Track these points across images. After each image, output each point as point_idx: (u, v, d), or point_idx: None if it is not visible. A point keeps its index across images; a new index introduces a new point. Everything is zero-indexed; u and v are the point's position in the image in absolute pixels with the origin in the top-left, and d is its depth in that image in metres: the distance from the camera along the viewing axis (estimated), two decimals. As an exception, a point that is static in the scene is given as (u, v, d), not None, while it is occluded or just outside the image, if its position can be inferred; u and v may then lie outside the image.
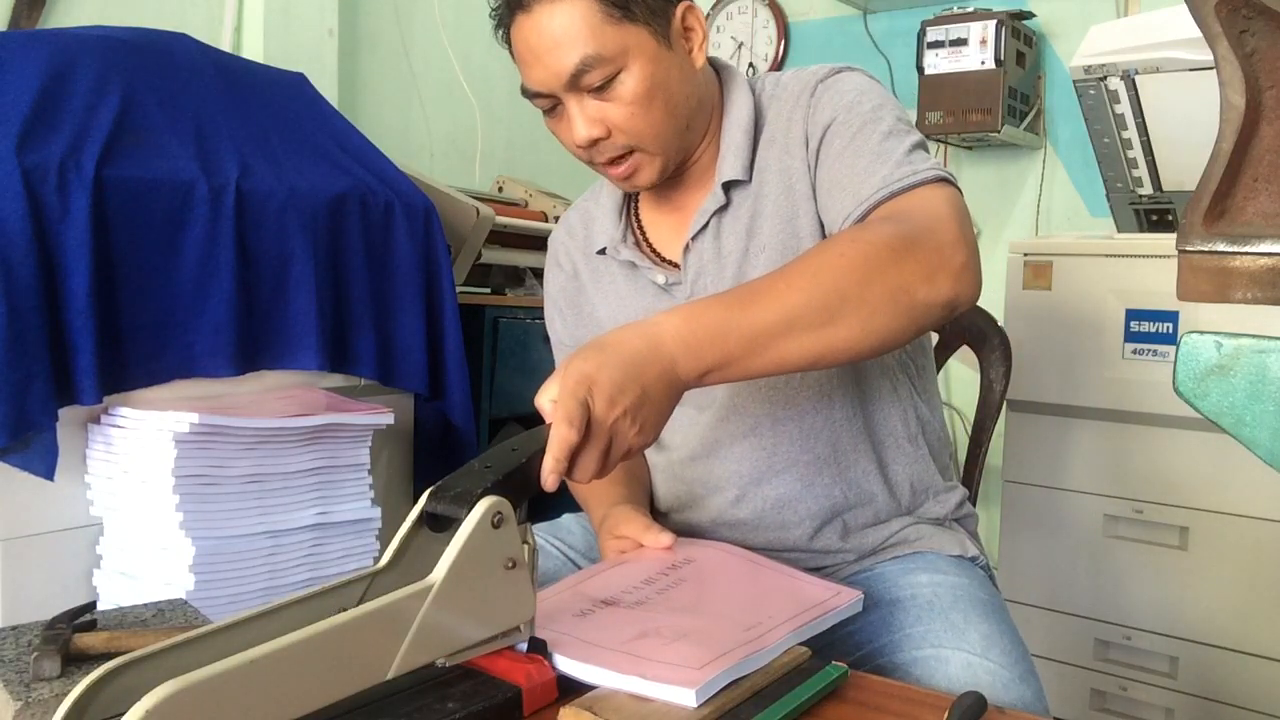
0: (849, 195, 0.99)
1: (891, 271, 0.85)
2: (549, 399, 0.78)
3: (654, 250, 1.18)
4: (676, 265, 1.14)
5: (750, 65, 3.03)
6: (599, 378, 0.77)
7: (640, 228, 1.20)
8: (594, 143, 1.04)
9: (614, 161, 1.06)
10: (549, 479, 0.76)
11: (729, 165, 1.09)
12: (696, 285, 1.12)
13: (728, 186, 1.10)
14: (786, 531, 1.11)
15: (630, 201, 1.21)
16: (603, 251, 1.19)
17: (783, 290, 0.84)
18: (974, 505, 1.26)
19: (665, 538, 1.02)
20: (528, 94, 1.06)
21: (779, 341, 0.83)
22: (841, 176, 1.01)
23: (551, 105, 1.05)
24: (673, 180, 1.13)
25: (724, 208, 1.10)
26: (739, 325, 0.82)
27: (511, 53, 1.06)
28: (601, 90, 1.02)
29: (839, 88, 1.06)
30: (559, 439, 0.75)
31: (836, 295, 0.84)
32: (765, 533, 1.12)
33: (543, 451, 0.76)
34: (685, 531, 1.13)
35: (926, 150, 1.03)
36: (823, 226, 1.07)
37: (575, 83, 1.01)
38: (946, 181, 0.97)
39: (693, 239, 1.11)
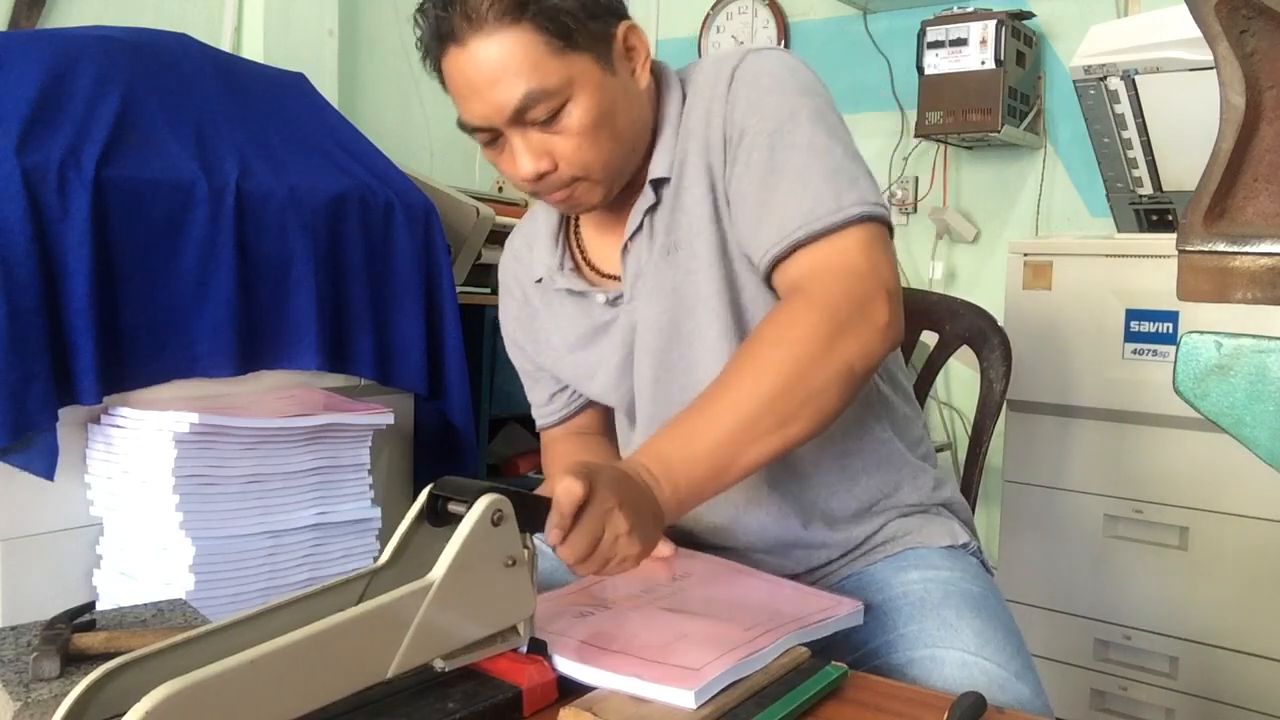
0: (771, 227, 0.97)
1: (828, 360, 0.89)
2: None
3: (595, 269, 1.15)
4: (617, 278, 1.12)
5: (750, 65, 3.02)
6: (596, 474, 0.80)
7: (581, 248, 1.17)
8: (540, 177, 1.00)
9: (557, 190, 1.03)
10: (552, 532, 0.77)
11: (658, 163, 1.06)
12: (636, 288, 1.09)
13: (656, 184, 1.07)
14: (783, 487, 1.09)
15: (568, 223, 1.18)
16: (540, 281, 1.17)
17: (731, 407, 0.88)
18: (973, 506, 1.26)
19: (665, 547, 1.01)
20: (465, 128, 1.01)
21: (742, 453, 0.87)
22: (765, 197, 0.98)
23: (491, 139, 1.01)
24: (616, 197, 1.10)
25: (655, 205, 1.07)
26: (699, 452, 0.86)
27: (443, 83, 1.01)
28: (547, 123, 0.97)
29: (756, 83, 1.01)
30: (565, 491, 0.77)
31: (784, 398, 0.88)
32: (764, 488, 1.09)
33: (549, 500, 0.77)
34: (680, 526, 1.13)
35: (850, 158, 0.99)
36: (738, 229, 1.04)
37: (519, 117, 0.96)
38: (868, 219, 0.96)
39: (630, 240, 1.08)
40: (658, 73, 1.10)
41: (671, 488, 0.86)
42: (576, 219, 1.18)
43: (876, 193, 0.98)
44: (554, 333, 1.18)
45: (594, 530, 0.79)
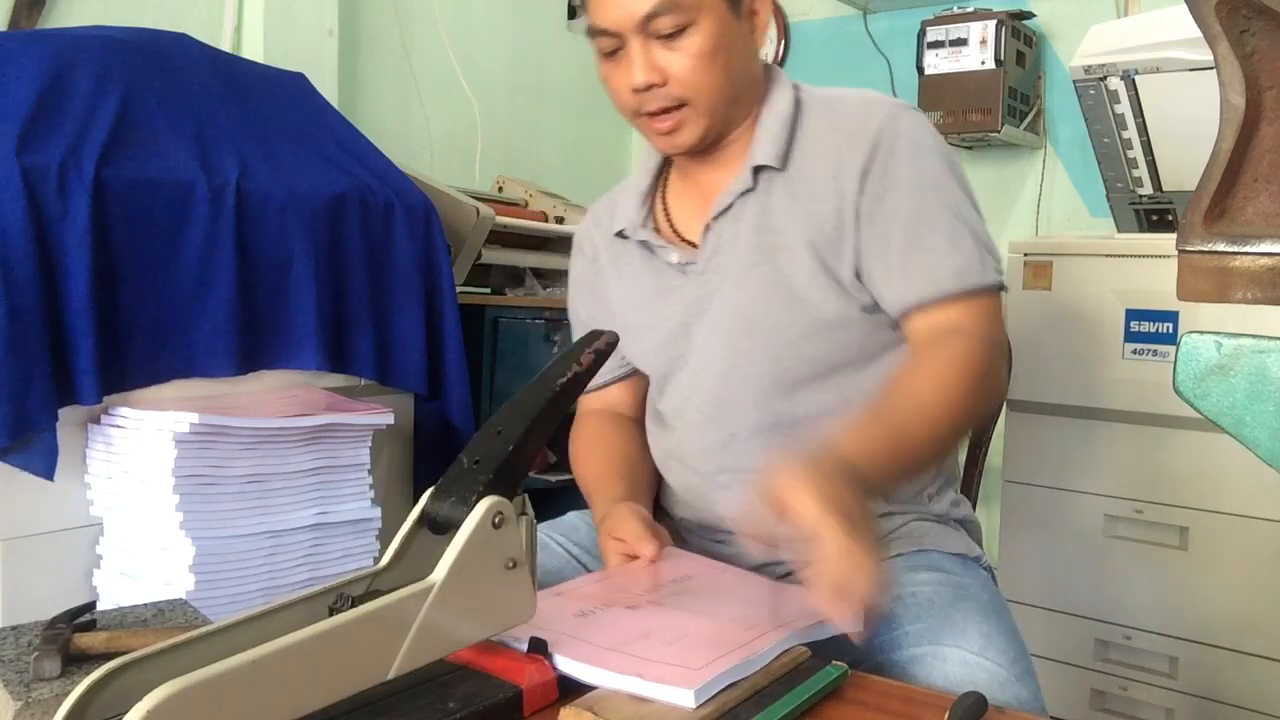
0: (921, 273, 1.04)
1: (980, 402, 1.01)
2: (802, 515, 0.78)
3: (675, 231, 1.19)
4: (695, 245, 1.16)
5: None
6: (848, 513, 0.79)
7: (665, 210, 1.21)
8: (649, 88, 1.05)
9: (661, 113, 1.07)
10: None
11: (763, 150, 1.10)
12: (711, 263, 1.13)
13: (757, 170, 1.11)
14: None
15: (658, 186, 1.22)
16: (621, 234, 1.20)
17: (925, 436, 0.96)
18: (974, 506, 1.26)
19: (650, 549, 1.02)
20: (593, 31, 1.07)
21: (906, 467, 0.97)
22: (911, 245, 1.05)
23: (613, 48, 1.07)
24: (703, 159, 1.15)
25: (749, 190, 1.11)
26: (889, 459, 0.92)
27: None
28: (669, 39, 1.04)
29: (910, 137, 1.07)
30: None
31: (951, 430, 1.00)
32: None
33: (529, 430, 0.75)
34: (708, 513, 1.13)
35: (985, 229, 1.09)
36: (858, 256, 1.08)
37: (646, 25, 1.03)
38: (1000, 289, 1.08)
39: (714, 218, 1.12)
40: (768, 69, 1.17)
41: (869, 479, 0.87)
42: (666, 183, 1.22)
43: (1001, 262, 1.09)
44: (616, 288, 1.22)
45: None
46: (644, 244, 1.18)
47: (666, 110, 1.07)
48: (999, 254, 1.09)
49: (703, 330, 1.13)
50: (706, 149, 1.13)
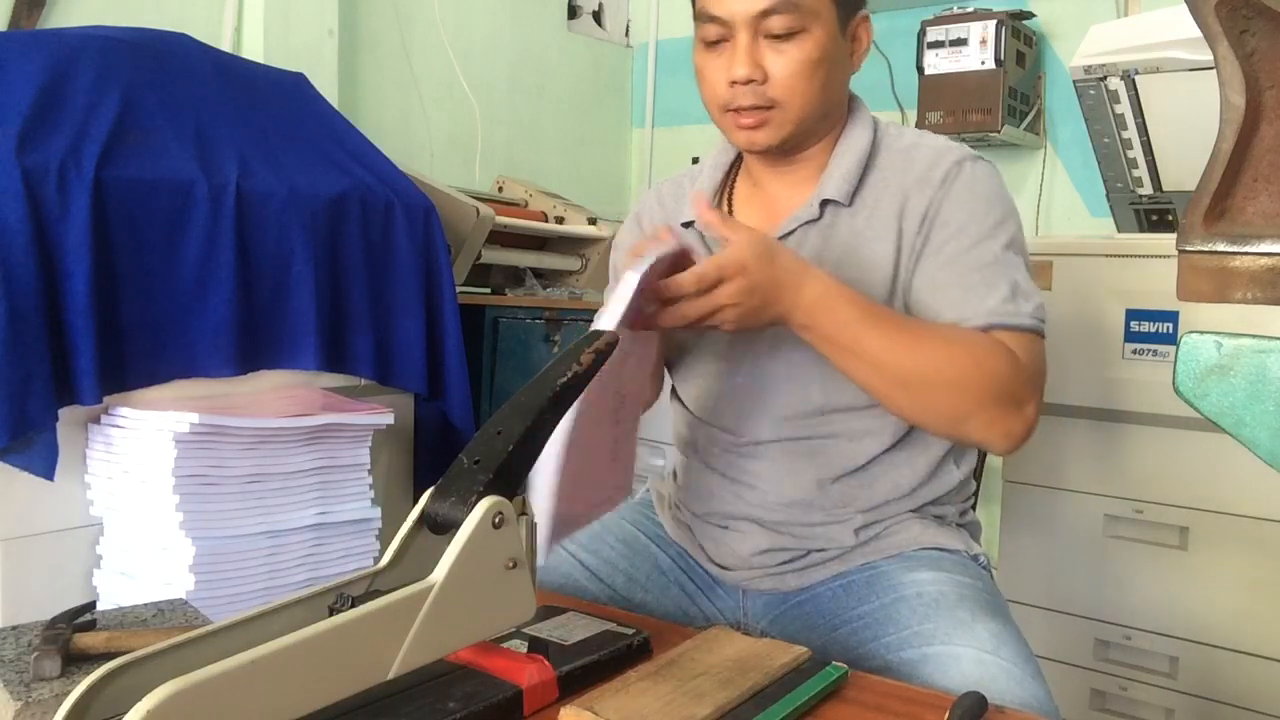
0: (951, 311, 1.05)
1: (965, 401, 0.98)
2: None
3: None
4: None
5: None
6: (749, 282, 0.91)
7: (731, 213, 1.21)
8: (748, 83, 1.05)
9: (751, 109, 1.07)
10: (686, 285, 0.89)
11: (834, 184, 1.11)
12: None
13: (824, 203, 1.11)
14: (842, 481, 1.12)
15: (726, 186, 1.22)
16: (690, 225, 1.19)
17: (897, 342, 0.97)
18: (974, 506, 1.26)
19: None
20: (702, 17, 1.07)
21: (857, 362, 0.97)
22: (951, 283, 1.06)
23: (718, 38, 1.07)
24: (775, 170, 1.15)
25: (814, 220, 1.12)
26: (853, 330, 0.96)
27: None
28: (778, 40, 1.04)
29: (974, 187, 1.08)
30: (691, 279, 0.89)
31: (921, 380, 0.97)
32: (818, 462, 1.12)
33: (529, 430, 0.75)
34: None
35: (1031, 279, 1.09)
36: (906, 294, 1.09)
37: (759, 21, 1.04)
38: (1039, 333, 1.06)
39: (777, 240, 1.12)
40: (853, 98, 1.17)
41: (804, 319, 0.96)
42: (734, 185, 1.22)
43: (1044, 312, 1.08)
44: None
45: (698, 313, 0.90)
46: (709, 242, 1.17)
47: (757, 108, 1.07)
48: (1039, 303, 1.07)
49: (752, 342, 1.13)
50: (780, 158, 1.13)
